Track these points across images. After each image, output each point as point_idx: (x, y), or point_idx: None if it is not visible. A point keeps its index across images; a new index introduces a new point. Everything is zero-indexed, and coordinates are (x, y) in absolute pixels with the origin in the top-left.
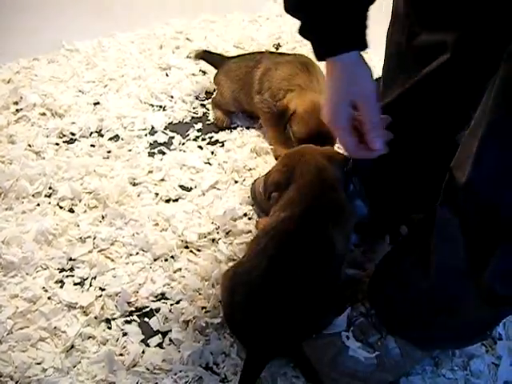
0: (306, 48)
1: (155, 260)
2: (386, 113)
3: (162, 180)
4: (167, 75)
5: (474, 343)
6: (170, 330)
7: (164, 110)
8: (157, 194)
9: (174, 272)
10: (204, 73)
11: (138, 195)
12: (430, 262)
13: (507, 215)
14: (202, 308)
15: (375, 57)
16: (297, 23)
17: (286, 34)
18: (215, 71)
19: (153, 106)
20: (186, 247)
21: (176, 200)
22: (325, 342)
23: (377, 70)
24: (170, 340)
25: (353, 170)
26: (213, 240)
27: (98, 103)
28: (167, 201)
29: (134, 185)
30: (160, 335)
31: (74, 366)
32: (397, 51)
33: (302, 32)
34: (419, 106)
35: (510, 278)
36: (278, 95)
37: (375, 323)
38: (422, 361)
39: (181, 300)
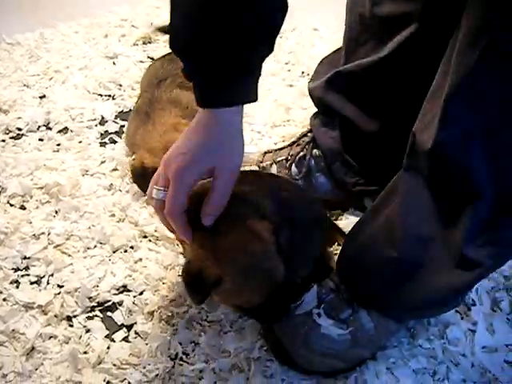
0: None
1: (114, 252)
2: (354, 81)
3: (116, 170)
4: (114, 64)
5: (448, 310)
6: (135, 323)
7: (113, 99)
8: (111, 185)
9: (135, 263)
10: (152, 59)
11: (92, 187)
12: (395, 230)
13: (476, 177)
14: (167, 297)
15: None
16: None
17: None
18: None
19: (101, 95)
20: (145, 236)
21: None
22: (296, 323)
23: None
24: (136, 333)
25: (314, 144)
26: None
27: (44, 96)
28: (122, 191)
29: (87, 176)
30: (125, 329)
31: (37, 369)
32: (360, 22)
33: (188, 72)
34: (391, 75)
35: (481, 240)
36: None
37: (346, 298)
38: (397, 332)
39: (144, 291)
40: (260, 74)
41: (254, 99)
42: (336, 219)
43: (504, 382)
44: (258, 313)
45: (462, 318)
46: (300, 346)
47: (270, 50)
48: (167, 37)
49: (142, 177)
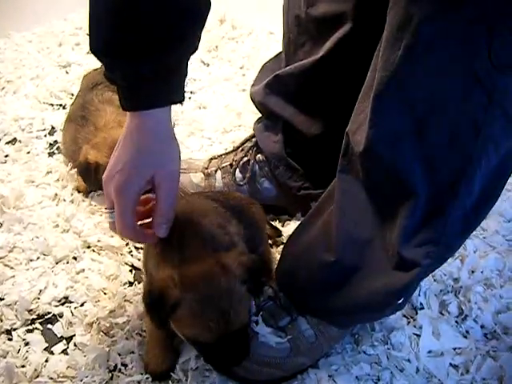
0: None
1: (57, 263)
2: (293, 83)
3: (61, 180)
4: (67, 73)
5: (388, 313)
6: (75, 335)
7: (64, 108)
8: (56, 195)
9: (77, 273)
10: None
11: (37, 198)
12: (331, 233)
13: (409, 177)
14: (106, 308)
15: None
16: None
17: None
18: None
19: (52, 105)
20: (89, 247)
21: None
22: None
23: None
24: (75, 345)
25: (257, 149)
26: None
27: None
28: (67, 201)
29: (32, 187)
30: (64, 341)
31: None
32: (297, 23)
33: (110, 74)
34: (329, 76)
35: (417, 240)
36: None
37: (284, 305)
38: (340, 339)
39: (85, 302)
40: (186, 74)
41: (180, 100)
42: (283, 225)
43: None
44: (210, 355)
45: (409, 323)
46: None
47: (195, 47)
48: None
49: (85, 172)
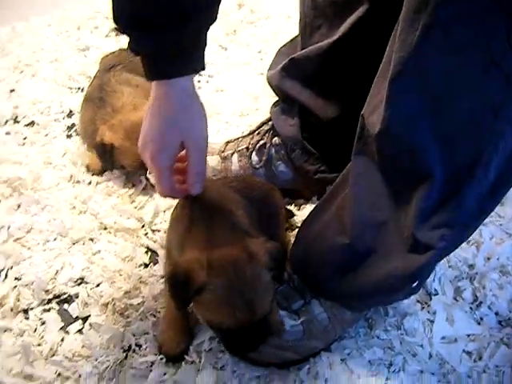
0: None
1: (74, 244)
2: (309, 67)
3: (78, 162)
4: (86, 56)
5: (402, 297)
6: (90, 315)
7: (82, 91)
8: (73, 177)
9: (94, 255)
10: (125, 50)
11: (54, 180)
12: (346, 217)
13: (426, 157)
14: (122, 289)
15: None
16: None
17: None
18: None
19: (71, 88)
20: (105, 228)
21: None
22: None
23: None
24: (90, 325)
25: (274, 132)
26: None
27: (13, 90)
28: (85, 182)
29: (49, 169)
30: (80, 321)
31: None
32: (313, 6)
33: (134, 46)
34: (345, 58)
35: (432, 222)
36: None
37: (298, 288)
38: (353, 323)
39: (101, 283)
40: (206, 44)
41: (203, 68)
42: (299, 209)
43: (462, 373)
44: (227, 339)
45: (423, 309)
46: None
47: (214, 18)
48: None
49: (102, 152)
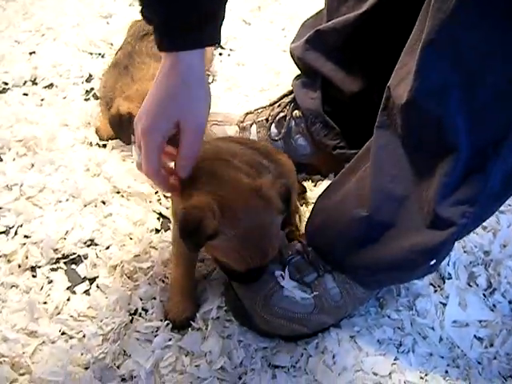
0: None
1: (85, 206)
2: (334, 39)
3: (94, 125)
4: (108, 23)
5: (419, 275)
6: (98, 276)
7: (103, 57)
8: (88, 139)
9: (105, 217)
10: None
11: (69, 141)
12: (366, 189)
13: (452, 129)
14: (131, 252)
15: None
16: None
17: None
18: None
19: (91, 53)
20: (118, 192)
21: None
22: (257, 282)
23: None
24: (98, 286)
25: (295, 105)
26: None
27: (33, 52)
28: (100, 145)
29: (65, 130)
30: (87, 282)
31: None
32: None
33: (146, 12)
34: (371, 31)
35: (454, 198)
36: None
37: (312, 261)
38: (365, 301)
39: (110, 245)
40: (223, 18)
41: (216, 41)
42: (315, 185)
43: (472, 359)
44: (232, 273)
45: (436, 291)
46: (260, 307)
47: None
48: None
49: (118, 124)
